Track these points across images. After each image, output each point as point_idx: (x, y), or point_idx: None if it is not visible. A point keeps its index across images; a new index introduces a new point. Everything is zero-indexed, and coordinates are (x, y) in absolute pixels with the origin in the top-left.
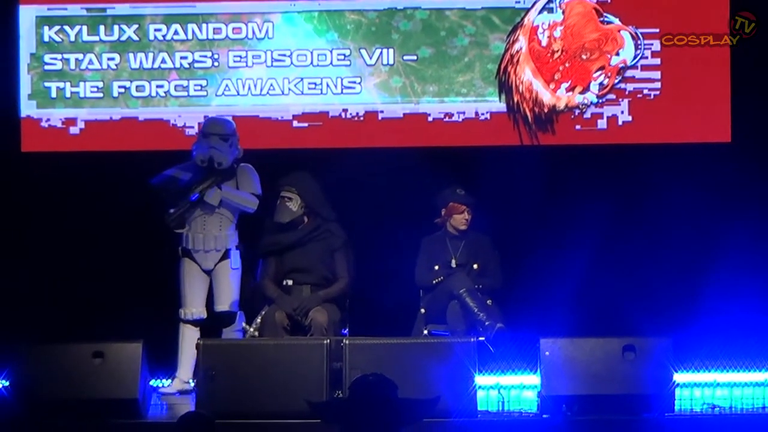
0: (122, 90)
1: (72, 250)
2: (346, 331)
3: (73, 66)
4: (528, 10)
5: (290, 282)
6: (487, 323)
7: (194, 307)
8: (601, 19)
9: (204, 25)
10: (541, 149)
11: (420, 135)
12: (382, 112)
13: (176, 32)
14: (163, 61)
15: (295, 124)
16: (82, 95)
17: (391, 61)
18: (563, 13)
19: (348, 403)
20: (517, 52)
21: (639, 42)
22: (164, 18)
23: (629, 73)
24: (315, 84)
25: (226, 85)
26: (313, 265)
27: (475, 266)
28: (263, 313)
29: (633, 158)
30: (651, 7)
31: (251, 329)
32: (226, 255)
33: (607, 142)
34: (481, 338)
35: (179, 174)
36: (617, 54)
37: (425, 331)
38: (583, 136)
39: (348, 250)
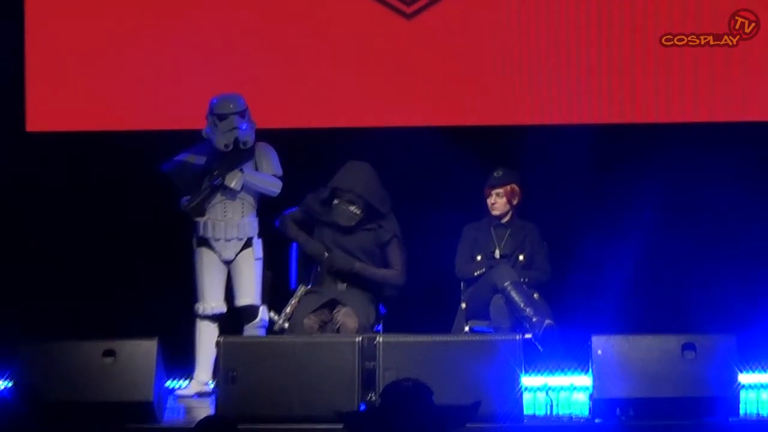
0: None
1: (80, 239)
2: (379, 327)
3: None
4: None
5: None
6: (534, 319)
7: (213, 301)
8: None
9: None
10: (594, 128)
11: (463, 112)
12: None
13: None
14: None
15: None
16: None
17: None
18: None
19: (379, 412)
20: None
21: None
22: None
23: None
24: None
25: None
26: (353, 251)
27: (521, 257)
28: (293, 302)
29: (696, 140)
30: None
31: (280, 320)
32: (248, 243)
33: (665, 121)
34: (527, 335)
35: (192, 159)
36: None
37: (466, 328)
38: (638, 114)
39: (400, 244)
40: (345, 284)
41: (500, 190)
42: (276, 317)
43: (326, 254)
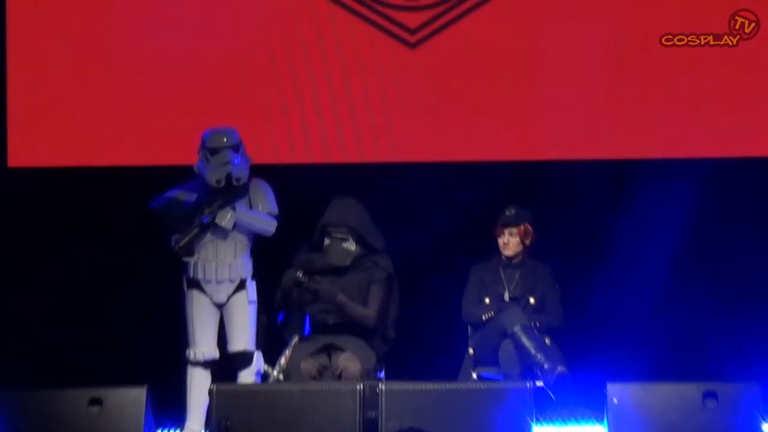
0: None
1: (64, 280)
2: (382, 374)
3: None
4: None
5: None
6: (545, 366)
7: (204, 346)
8: None
9: None
10: (604, 163)
11: (468, 146)
12: None
13: None
14: None
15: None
16: None
17: None
18: None
19: None
20: None
21: None
22: None
23: None
24: None
25: None
26: (350, 296)
27: (532, 300)
28: (286, 353)
29: (714, 175)
30: None
31: (274, 372)
32: (241, 286)
33: (682, 156)
34: (538, 383)
35: (183, 195)
36: None
37: (474, 375)
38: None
39: (389, 286)
40: (340, 329)
41: (513, 230)
42: (270, 370)
43: (300, 274)
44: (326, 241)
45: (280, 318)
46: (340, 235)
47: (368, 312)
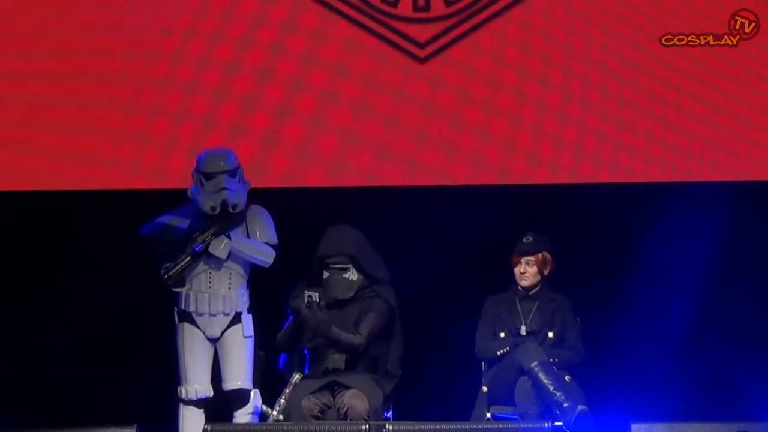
0: None
1: (48, 315)
2: (389, 414)
3: None
4: None
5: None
6: (565, 405)
7: (198, 383)
8: None
9: None
10: (627, 187)
11: (479, 168)
12: None
13: None
14: None
15: None
16: None
17: None
18: None
19: None
20: None
21: None
22: None
23: None
24: None
25: None
26: (348, 328)
27: (551, 334)
28: (287, 391)
29: (741, 198)
30: None
31: (274, 413)
32: (236, 320)
33: (714, 180)
34: (558, 423)
35: (175, 221)
36: None
37: (488, 415)
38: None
39: (389, 317)
40: (343, 364)
41: (531, 258)
42: (269, 409)
43: (308, 298)
44: (325, 274)
45: (281, 360)
46: (339, 266)
47: (356, 340)
